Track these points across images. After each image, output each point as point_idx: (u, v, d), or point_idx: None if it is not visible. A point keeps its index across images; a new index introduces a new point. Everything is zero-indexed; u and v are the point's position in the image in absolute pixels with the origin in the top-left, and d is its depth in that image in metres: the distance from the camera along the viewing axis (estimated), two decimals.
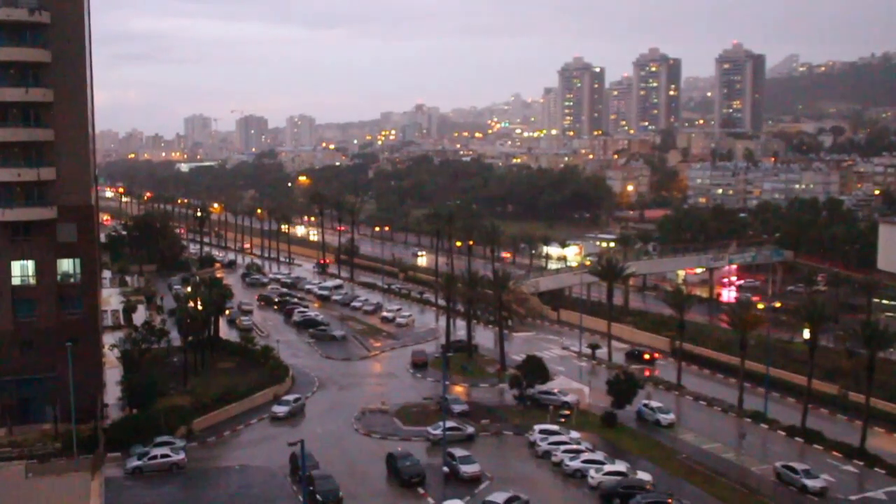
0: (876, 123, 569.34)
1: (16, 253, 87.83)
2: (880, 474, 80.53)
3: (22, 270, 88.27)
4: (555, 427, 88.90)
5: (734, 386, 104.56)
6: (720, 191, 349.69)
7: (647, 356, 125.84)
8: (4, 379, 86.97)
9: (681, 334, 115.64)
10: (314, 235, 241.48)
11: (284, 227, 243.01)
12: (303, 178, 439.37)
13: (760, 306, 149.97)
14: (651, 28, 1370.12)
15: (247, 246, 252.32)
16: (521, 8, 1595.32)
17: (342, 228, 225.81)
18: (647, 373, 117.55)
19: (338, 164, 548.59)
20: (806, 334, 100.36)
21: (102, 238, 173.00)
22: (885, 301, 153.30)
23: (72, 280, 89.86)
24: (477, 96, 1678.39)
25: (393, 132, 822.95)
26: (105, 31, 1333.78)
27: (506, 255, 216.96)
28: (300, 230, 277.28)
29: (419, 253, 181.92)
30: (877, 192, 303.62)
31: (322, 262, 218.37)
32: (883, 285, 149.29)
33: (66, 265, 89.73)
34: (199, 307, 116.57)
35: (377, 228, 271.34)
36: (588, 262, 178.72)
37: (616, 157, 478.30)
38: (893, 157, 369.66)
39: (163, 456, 79.95)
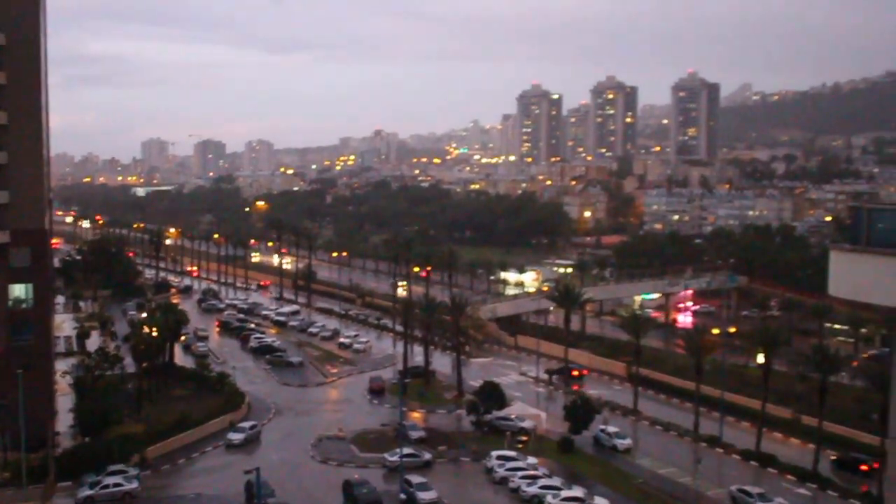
0: (827, 151, 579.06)
1: None
2: (833, 497, 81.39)
3: None
4: (512, 453, 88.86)
5: (690, 410, 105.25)
6: (676, 217, 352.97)
7: (575, 373, 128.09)
8: None
9: (637, 359, 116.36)
10: (274, 260, 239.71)
11: (242, 252, 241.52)
12: (260, 203, 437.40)
13: (716, 331, 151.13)
14: (608, 56, 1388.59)
15: (191, 269, 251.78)
16: (480, 35, 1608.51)
17: (288, 254, 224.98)
18: (574, 388, 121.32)
19: (296, 189, 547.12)
20: (760, 359, 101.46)
21: (56, 263, 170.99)
22: (836, 326, 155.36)
23: (24, 306, 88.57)
24: (436, 122, 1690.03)
25: (352, 158, 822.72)
26: (61, 53, 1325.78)
27: (463, 280, 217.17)
28: (259, 255, 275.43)
29: (400, 283, 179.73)
30: (828, 218, 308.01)
31: (264, 283, 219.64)
32: (834, 310, 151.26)
33: (18, 290, 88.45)
34: (155, 333, 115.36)
35: (335, 254, 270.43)
36: (545, 288, 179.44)
37: (573, 183, 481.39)
38: (844, 184, 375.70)
39: (115, 485, 78.65)
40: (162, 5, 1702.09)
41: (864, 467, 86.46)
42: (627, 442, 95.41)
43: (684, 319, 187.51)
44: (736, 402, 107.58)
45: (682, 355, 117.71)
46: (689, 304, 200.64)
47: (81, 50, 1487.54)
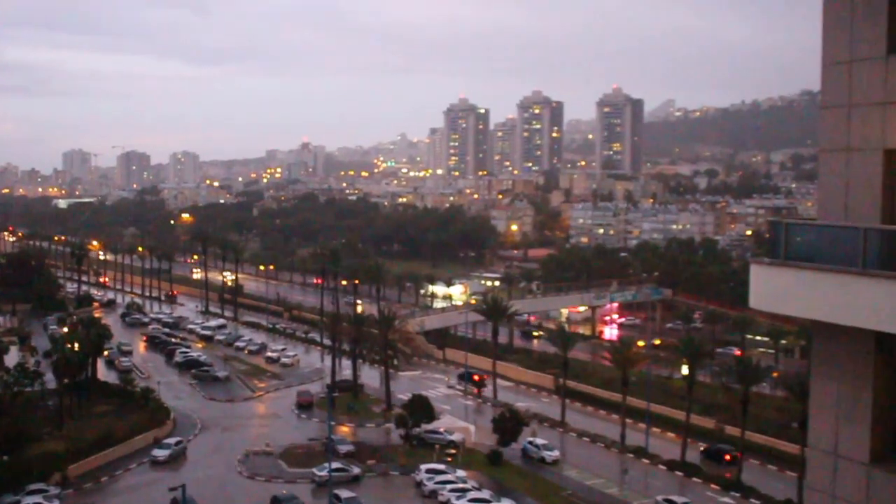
0: (747, 167, 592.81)
1: None
2: None
3: None
4: (441, 466, 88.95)
5: (617, 422, 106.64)
6: (601, 231, 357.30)
7: (476, 377, 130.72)
8: None
9: (564, 372, 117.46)
10: (197, 275, 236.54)
11: (167, 265, 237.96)
12: (186, 216, 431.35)
13: (641, 344, 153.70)
14: (535, 71, 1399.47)
15: (103, 280, 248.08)
16: (408, 48, 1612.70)
17: (215, 267, 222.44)
18: (476, 391, 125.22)
19: (222, 201, 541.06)
20: (684, 370, 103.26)
21: None
22: (757, 337, 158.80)
23: None
24: (363, 135, 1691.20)
25: (278, 170, 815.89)
26: None
27: (391, 293, 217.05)
28: (184, 269, 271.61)
29: (357, 301, 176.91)
30: (748, 232, 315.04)
31: (172, 293, 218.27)
32: (755, 322, 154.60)
33: None
34: (77, 348, 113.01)
35: (262, 267, 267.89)
36: (473, 301, 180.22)
37: (500, 197, 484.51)
38: (764, 199, 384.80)
39: None
40: (83, 14, 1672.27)
41: (727, 457, 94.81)
42: (555, 454, 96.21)
43: (610, 332, 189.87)
44: (661, 413, 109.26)
45: (609, 367, 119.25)
46: (615, 316, 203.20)
47: (0, 58, 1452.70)
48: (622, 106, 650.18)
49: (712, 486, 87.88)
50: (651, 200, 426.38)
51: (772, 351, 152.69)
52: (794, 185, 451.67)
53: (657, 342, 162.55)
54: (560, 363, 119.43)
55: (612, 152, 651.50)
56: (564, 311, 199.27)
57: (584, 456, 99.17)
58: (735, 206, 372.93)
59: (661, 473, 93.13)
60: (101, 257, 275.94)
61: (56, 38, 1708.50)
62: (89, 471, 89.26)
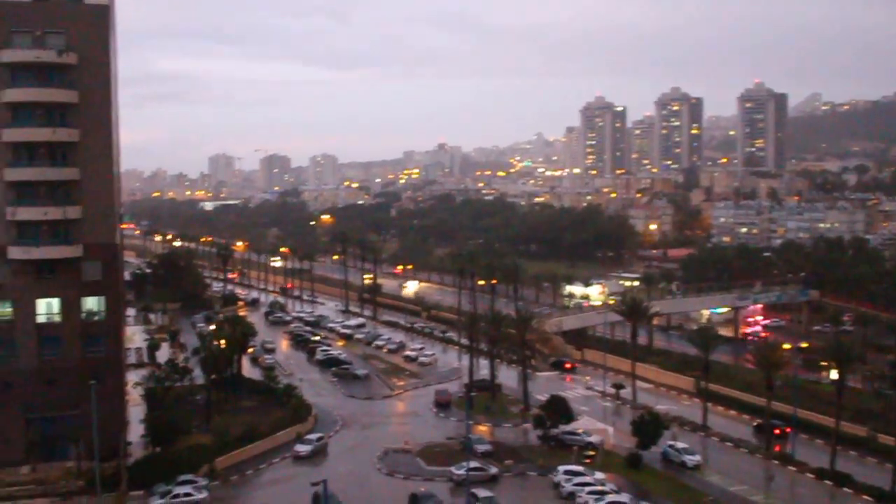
0: None
1: (42, 291, 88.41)
2: None
3: (47, 308, 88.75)
4: (579, 468, 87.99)
5: (801, 440, 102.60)
6: (744, 230, 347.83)
7: (568, 364, 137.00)
8: (29, 416, 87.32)
9: (706, 374, 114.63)
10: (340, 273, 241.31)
11: (308, 265, 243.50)
12: (326, 217, 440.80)
13: (787, 346, 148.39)
14: (673, 67, 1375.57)
15: (226, 274, 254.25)
16: (544, 48, 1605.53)
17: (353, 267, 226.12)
18: (568, 379, 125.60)
19: (360, 202, 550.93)
20: (833, 375, 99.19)
21: (127, 276, 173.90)
22: None
23: (96, 318, 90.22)
24: (499, 135, 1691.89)
25: (416, 171, 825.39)
26: (131, 72, 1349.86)
27: (529, 294, 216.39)
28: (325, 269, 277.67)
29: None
30: None
31: (289, 286, 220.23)
32: None
33: (90, 303, 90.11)
34: (223, 345, 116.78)
35: (400, 267, 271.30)
36: (612, 302, 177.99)
37: (639, 195, 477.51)
38: None
39: (185, 495, 79.65)
40: (228, 23, 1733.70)
41: (776, 431, 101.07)
42: (697, 458, 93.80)
43: (754, 334, 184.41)
44: (808, 419, 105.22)
45: (753, 370, 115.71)
46: (759, 318, 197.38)
47: (151, 68, 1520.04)
48: (765, 101, 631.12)
49: (864, 496, 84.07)
50: (796, 198, 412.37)
51: None
52: None
53: (804, 345, 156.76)
54: (701, 365, 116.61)
55: (754, 149, 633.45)
56: (705, 313, 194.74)
57: (726, 461, 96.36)
58: (888, 204, 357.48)
59: (809, 482, 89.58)
60: (246, 257, 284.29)
61: (203, 48, 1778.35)
62: (235, 464, 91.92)
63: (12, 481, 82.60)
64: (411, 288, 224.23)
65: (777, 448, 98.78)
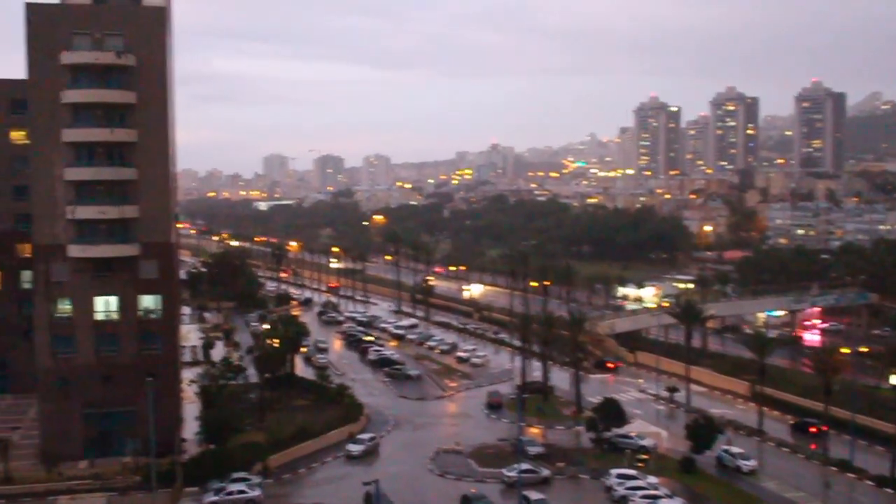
0: None
1: (99, 289, 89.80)
2: None
3: (105, 306, 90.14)
4: (632, 471, 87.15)
5: (836, 439, 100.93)
6: (801, 231, 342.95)
7: (610, 364, 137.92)
8: (87, 412, 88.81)
9: (761, 378, 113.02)
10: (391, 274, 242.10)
11: (360, 266, 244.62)
12: (378, 217, 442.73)
13: (845, 350, 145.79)
14: (728, 67, 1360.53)
15: (280, 274, 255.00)
16: (597, 48, 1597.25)
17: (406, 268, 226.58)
18: (611, 379, 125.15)
19: (413, 203, 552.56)
20: (893, 380, 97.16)
21: (182, 275, 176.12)
22: None
23: (153, 316, 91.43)
24: (552, 136, 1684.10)
25: (468, 172, 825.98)
26: (187, 73, 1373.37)
27: (581, 295, 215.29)
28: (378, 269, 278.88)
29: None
30: None
31: (335, 285, 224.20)
32: None
33: (147, 301, 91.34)
34: (276, 344, 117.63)
35: (452, 268, 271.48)
36: (665, 304, 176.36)
37: (693, 197, 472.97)
38: None
39: (239, 492, 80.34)
40: (282, 24, 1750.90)
41: (813, 429, 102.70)
42: (752, 463, 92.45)
43: (811, 337, 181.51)
44: (867, 425, 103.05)
45: (810, 375, 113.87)
46: (817, 321, 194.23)
47: (207, 69, 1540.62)
48: (822, 100, 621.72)
49: None
50: (855, 199, 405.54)
51: None
52: None
53: (863, 349, 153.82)
54: (757, 369, 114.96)
55: (811, 149, 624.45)
56: (761, 315, 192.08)
57: (782, 467, 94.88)
58: None
59: (869, 490, 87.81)
60: (299, 257, 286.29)
61: (258, 49, 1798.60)
62: (288, 462, 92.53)
63: (71, 475, 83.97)
64: (475, 291, 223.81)
65: (813, 446, 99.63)
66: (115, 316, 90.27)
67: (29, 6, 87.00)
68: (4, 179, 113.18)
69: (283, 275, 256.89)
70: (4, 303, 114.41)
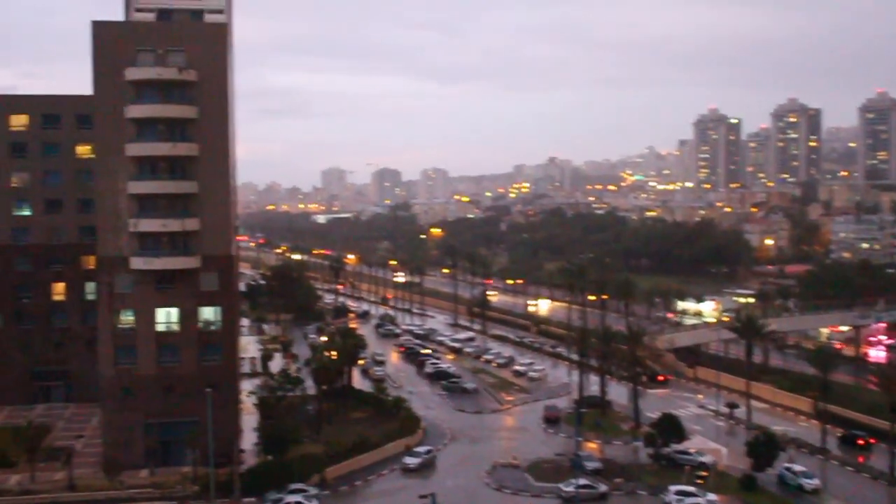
0: None
1: (161, 300, 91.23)
2: None
3: (166, 317, 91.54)
4: (691, 488, 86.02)
5: (885, 451, 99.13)
6: (866, 245, 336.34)
7: (660, 377, 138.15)
8: (148, 422, 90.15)
9: (825, 395, 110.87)
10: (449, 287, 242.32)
11: (417, 279, 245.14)
12: (436, 230, 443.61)
13: None
14: (789, 78, 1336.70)
15: (337, 287, 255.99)
16: (655, 60, 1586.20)
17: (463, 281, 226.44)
18: (660, 393, 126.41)
19: (471, 216, 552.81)
20: None
21: (242, 287, 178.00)
22: None
23: (213, 327, 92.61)
24: (610, 149, 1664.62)
25: (525, 185, 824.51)
26: (249, 87, 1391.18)
27: (640, 309, 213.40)
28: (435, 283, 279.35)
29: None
30: None
31: (388, 296, 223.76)
32: None
33: (207, 313, 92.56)
34: (334, 356, 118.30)
35: (510, 281, 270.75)
36: (726, 319, 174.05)
37: (754, 210, 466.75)
38: None
39: (296, 503, 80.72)
40: (340, 39, 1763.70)
41: (860, 441, 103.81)
42: (815, 482, 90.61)
43: (877, 354, 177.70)
44: None
45: (876, 392, 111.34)
46: (882, 337, 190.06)
47: (266, 83, 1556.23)
48: (888, 111, 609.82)
49: None
50: None
51: None
52: None
53: None
54: (820, 386, 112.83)
55: (876, 161, 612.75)
56: (824, 331, 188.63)
57: (847, 487, 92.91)
58: None
59: None
60: (357, 270, 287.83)
61: (319, 63, 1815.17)
62: (345, 474, 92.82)
63: (132, 484, 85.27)
64: (541, 307, 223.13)
65: (861, 459, 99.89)
66: (175, 327, 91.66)
67: (95, 24, 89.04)
68: (70, 192, 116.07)
69: (340, 287, 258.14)
70: (69, 313, 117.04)
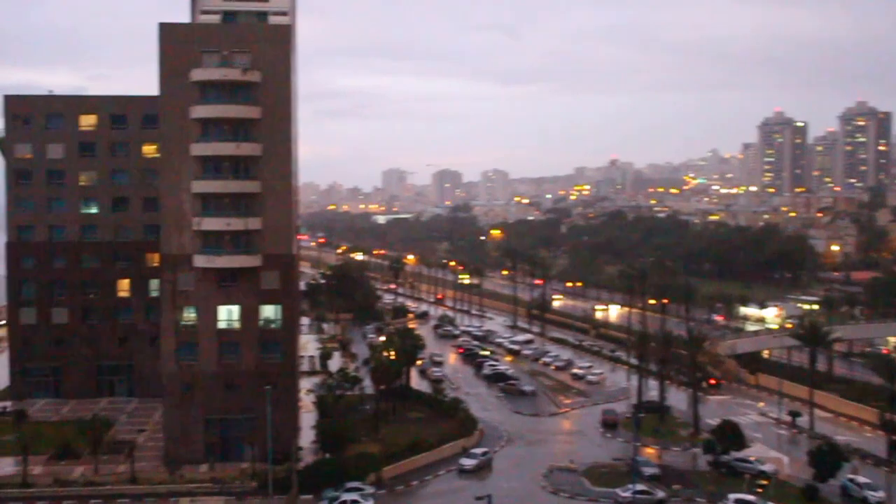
0: None
1: (223, 298, 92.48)
2: None
3: (228, 315, 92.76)
4: (751, 497, 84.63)
5: None
6: None
7: (712, 381, 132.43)
8: (208, 417, 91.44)
9: (891, 405, 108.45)
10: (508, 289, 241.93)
11: (477, 281, 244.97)
12: (496, 232, 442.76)
13: None
14: (858, 81, 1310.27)
15: (397, 287, 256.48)
16: (718, 62, 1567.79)
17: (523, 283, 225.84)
18: (711, 395, 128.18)
19: (531, 218, 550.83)
20: None
21: (302, 286, 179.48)
22: None
23: (273, 326, 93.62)
24: (672, 152, 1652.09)
25: (586, 187, 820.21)
26: (310, 89, 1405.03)
27: (701, 314, 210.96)
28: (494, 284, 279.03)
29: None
30: None
31: (440, 297, 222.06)
32: None
33: (268, 311, 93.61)
34: (393, 357, 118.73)
35: (569, 284, 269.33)
36: (789, 325, 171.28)
37: (820, 215, 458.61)
38: None
39: (353, 502, 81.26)
40: (402, 41, 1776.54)
41: None
42: (880, 495, 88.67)
43: None
44: None
45: None
46: None
47: (329, 84, 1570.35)
48: None
49: None
50: None
51: None
52: None
53: None
54: (887, 396, 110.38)
55: None
56: (892, 339, 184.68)
57: None
58: None
59: None
60: (416, 271, 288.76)
61: (381, 65, 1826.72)
62: (401, 474, 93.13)
63: (192, 478, 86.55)
64: (611, 312, 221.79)
65: None
66: (237, 325, 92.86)
67: (162, 26, 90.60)
68: (136, 191, 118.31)
69: (393, 287, 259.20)
70: (133, 310, 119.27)
